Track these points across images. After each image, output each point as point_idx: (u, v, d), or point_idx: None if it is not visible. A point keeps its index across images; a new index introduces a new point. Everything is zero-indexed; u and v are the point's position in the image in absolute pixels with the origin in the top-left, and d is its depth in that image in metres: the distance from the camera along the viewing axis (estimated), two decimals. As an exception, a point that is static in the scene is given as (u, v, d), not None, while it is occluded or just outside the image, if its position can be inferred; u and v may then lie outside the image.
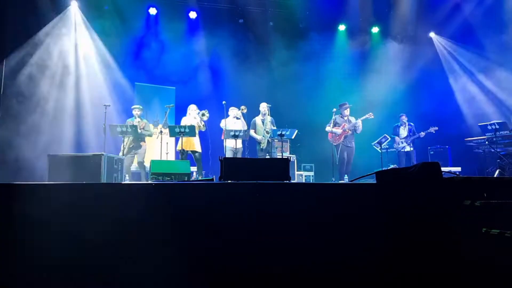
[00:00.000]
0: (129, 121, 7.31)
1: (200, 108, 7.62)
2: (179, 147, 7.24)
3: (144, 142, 7.37)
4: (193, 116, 7.46)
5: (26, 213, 2.77)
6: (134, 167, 7.52)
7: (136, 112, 7.31)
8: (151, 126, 7.53)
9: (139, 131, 7.13)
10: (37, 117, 7.48)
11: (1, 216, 2.75)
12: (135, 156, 7.25)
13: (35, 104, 7.50)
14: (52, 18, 7.76)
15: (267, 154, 7.66)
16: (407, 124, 8.46)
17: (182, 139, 7.11)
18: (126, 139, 7.12)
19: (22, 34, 7.27)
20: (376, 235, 2.84)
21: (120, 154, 7.09)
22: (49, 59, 7.70)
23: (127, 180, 6.97)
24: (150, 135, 7.37)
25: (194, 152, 7.37)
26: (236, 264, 2.79)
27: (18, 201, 2.81)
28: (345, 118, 7.89)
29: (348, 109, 7.95)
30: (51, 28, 7.76)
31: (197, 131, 7.38)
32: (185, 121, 7.51)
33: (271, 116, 7.82)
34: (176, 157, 7.76)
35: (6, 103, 6.84)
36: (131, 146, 7.13)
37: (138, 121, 7.27)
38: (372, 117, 7.77)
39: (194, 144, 7.33)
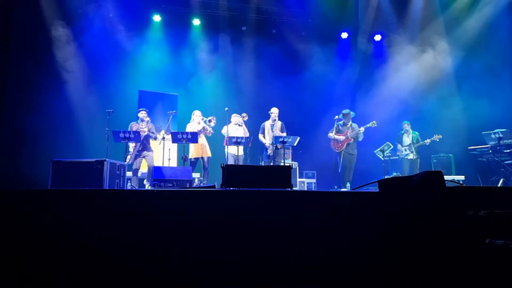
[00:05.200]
0: (134, 124, 7.26)
1: (204, 114, 7.64)
2: (194, 155, 7.29)
3: (150, 144, 7.34)
4: (197, 122, 7.48)
5: (29, 220, 2.77)
6: (141, 172, 7.48)
7: (142, 114, 7.27)
8: (162, 132, 7.52)
9: (146, 131, 7.12)
10: (40, 123, 7.53)
11: (4, 222, 2.76)
12: (143, 160, 7.21)
13: (39, 110, 7.57)
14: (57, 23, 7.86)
15: (272, 162, 7.64)
16: (410, 131, 8.44)
17: (194, 145, 7.16)
18: (133, 143, 7.08)
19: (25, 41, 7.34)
20: (378, 244, 2.82)
21: (128, 157, 7.03)
22: (53, 66, 7.77)
23: (129, 187, 6.97)
24: (155, 138, 7.35)
25: (204, 158, 7.40)
26: (237, 271, 2.77)
27: (22, 207, 2.81)
28: (348, 125, 7.87)
29: (351, 117, 7.93)
30: (55, 35, 7.84)
31: (204, 136, 7.41)
32: (190, 127, 7.52)
33: (281, 121, 7.85)
34: (180, 163, 7.77)
35: (10, 108, 6.88)
36: (140, 148, 7.12)
37: (148, 120, 7.22)
38: (376, 125, 7.75)
39: (205, 149, 7.39)
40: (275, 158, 7.67)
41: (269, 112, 7.85)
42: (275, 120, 7.80)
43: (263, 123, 7.90)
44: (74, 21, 8.10)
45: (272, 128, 7.75)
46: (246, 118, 7.67)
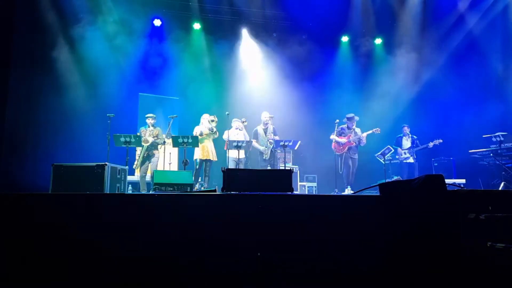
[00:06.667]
0: (142, 129, 7.31)
1: None
2: (201, 156, 7.34)
3: (157, 150, 7.38)
4: (205, 125, 7.51)
5: (30, 224, 2.77)
6: (148, 177, 7.48)
7: (149, 121, 7.34)
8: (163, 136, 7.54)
9: (151, 141, 7.15)
10: (41, 127, 7.55)
11: (6, 226, 2.76)
12: (149, 166, 7.26)
13: (40, 114, 7.58)
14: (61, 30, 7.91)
15: (269, 165, 7.65)
16: (410, 135, 8.43)
17: (202, 147, 7.24)
18: (139, 150, 7.19)
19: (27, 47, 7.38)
20: (379, 247, 2.81)
21: (135, 163, 7.14)
22: (54, 69, 7.80)
23: (130, 191, 6.97)
24: (163, 144, 7.39)
25: (207, 161, 7.41)
26: (238, 274, 2.76)
27: (23, 211, 2.81)
28: (352, 129, 7.87)
29: (355, 121, 7.94)
30: (56, 39, 7.87)
31: (211, 139, 7.43)
32: (198, 129, 7.54)
33: (273, 126, 7.83)
34: (181, 167, 7.77)
35: (11, 112, 6.90)
36: (145, 155, 7.17)
37: (152, 130, 7.28)
38: (379, 132, 7.75)
39: (209, 152, 7.42)
40: (272, 161, 7.68)
41: (270, 117, 7.82)
42: (267, 124, 7.80)
43: (255, 129, 7.88)
44: (76, 25, 8.12)
45: (265, 133, 7.75)
46: (246, 123, 7.69)
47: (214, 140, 7.70)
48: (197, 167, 7.35)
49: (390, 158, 8.54)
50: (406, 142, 8.41)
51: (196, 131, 7.47)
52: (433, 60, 9.35)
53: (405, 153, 8.36)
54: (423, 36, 9.49)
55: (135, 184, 7.43)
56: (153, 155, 7.31)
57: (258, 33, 9.67)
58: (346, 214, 2.92)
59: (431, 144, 8.08)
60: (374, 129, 7.75)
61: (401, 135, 8.52)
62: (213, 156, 7.50)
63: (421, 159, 8.53)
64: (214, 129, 7.42)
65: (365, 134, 7.75)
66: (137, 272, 2.73)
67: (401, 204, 2.84)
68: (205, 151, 7.39)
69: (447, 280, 2.62)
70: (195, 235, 2.81)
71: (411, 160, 8.30)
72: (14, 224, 2.77)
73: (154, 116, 7.45)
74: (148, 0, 8.89)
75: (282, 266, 2.78)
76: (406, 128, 8.47)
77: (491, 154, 7.53)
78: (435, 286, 2.63)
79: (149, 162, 7.26)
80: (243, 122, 7.67)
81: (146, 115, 7.48)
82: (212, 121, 7.42)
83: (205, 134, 7.37)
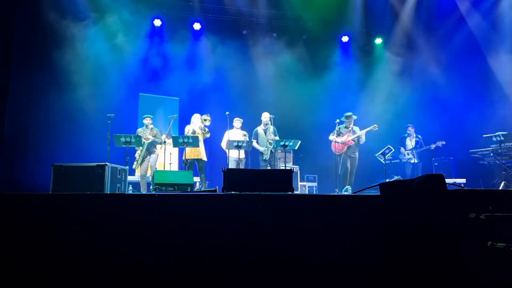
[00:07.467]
0: (140, 130, 7.36)
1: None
2: (193, 156, 7.32)
3: (157, 149, 7.44)
4: (198, 126, 7.50)
5: (30, 224, 2.77)
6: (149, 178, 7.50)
7: (147, 121, 7.38)
8: (163, 136, 7.55)
9: (151, 138, 7.20)
10: (42, 127, 7.55)
11: (6, 226, 2.76)
12: (149, 165, 7.31)
13: (40, 114, 7.59)
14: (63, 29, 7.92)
15: (269, 165, 7.64)
16: (414, 135, 8.42)
17: (186, 147, 7.18)
18: (139, 150, 7.22)
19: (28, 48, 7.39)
20: (379, 247, 2.81)
21: (135, 164, 7.18)
22: (54, 70, 7.80)
23: (130, 191, 6.97)
24: (161, 143, 7.42)
25: (198, 160, 7.39)
26: (239, 274, 2.76)
27: (23, 211, 2.81)
28: (350, 128, 7.87)
29: (353, 120, 7.94)
30: (56, 40, 7.88)
31: (201, 139, 7.42)
32: (190, 128, 7.53)
33: (273, 126, 7.82)
34: (181, 167, 7.78)
35: (11, 112, 6.90)
36: (145, 155, 7.23)
37: (151, 128, 7.35)
38: (377, 129, 7.75)
39: (199, 152, 7.36)
40: (272, 162, 7.68)
41: (270, 117, 7.83)
42: (267, 124, 7.79)
43: (255, 129, 7.88)
44: (76, 25, 8.13)
45: (266, 133, 7.75)
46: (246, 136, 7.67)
47: (214, 139, 7.69)
48: (186, 167, 7.24)
49: (391, 158, 8.54)
50: (410, 143, 8.39)
51: (188, 129, 7.46)
52: (433, 60, 9.34)
53: (408, 153, 8.35)
54: (424, 35, 9.49)
55: (135, 184, 7.44)
56: (154, 152, 7.37)
57: (258, 33, 9.67)
58: (347, 214, 2.92)
59: (433, 146, 8.07)
60: (371, 126, 7.75)
61: (405, 135, 8.51)
62: (204, 156, 7.47)
63: (422, 159, 8.52)
64: (206, 129, 7.41)
65: (363, 131, 7.74)
66: (138, 272, 2.73)
67: (401, 204, 2.83)
68: (196, 150, 7.36)
69: (447, 280, 2.62)
70: (195, 235, 2.81)
71: (414, 160, 8.29)
72: (14, 224, 2.77)
73: (151, 116, 7.49)
74: (149, 0, 8.89)
75: (282, 266, 2.78)
76: (410, 128, 8.45)
77: (492, 154, 7.53)
78: (435, 286, 2.63)
79: (149, 161, 7.28)
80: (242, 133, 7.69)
81: (143, 116, 7.51)
82: (205, 120, 7.40)
83: (198, 133, 7.36)
